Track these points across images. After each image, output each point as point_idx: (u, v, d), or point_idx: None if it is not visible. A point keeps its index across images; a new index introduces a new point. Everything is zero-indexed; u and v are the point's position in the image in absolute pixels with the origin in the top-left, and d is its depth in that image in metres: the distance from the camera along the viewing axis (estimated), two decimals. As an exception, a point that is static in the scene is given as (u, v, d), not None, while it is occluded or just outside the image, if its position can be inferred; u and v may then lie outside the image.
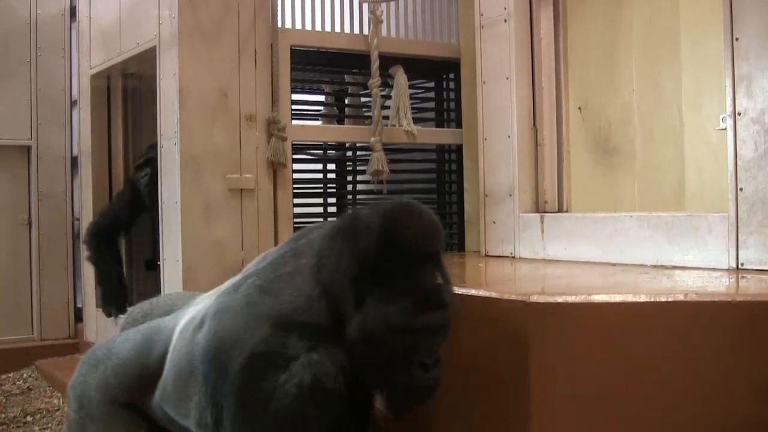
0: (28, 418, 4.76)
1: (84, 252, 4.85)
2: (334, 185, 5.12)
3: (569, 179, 3.90)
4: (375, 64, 4.30)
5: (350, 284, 1.94)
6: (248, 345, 1.95)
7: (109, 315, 4.69)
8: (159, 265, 4.17)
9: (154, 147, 4.41)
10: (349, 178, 5.11)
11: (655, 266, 3.10)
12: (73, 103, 5.94)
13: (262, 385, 1.91)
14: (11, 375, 5.63)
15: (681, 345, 2.17)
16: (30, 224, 5.99)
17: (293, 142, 4.23)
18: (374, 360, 1.93)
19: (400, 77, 4.50)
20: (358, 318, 1.92)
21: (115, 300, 4.69)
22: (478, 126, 4.12)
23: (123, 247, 4.99)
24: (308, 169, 4.90)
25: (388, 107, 4.53)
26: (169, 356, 2.30)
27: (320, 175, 5.02)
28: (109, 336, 4.76)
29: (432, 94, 5.07)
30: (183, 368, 2.19)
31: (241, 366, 1.95)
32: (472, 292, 2.54)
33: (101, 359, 2.51)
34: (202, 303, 2.34)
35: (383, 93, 4.46)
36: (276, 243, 4.09)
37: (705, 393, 2.15)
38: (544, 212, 3.83)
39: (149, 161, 4.42)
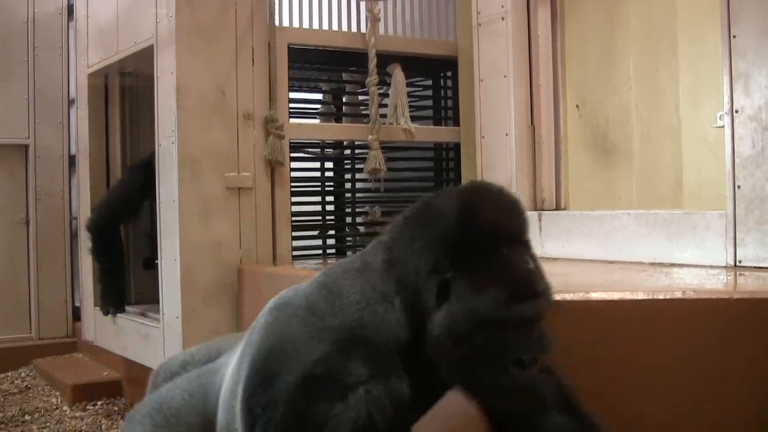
0: (27, 417, 4.76)
1: (87, 243, 4.80)
2: (332, 183, 5.12)
3: (567, 177, 3.91)
4: (372, 63, 4.29)
5: (429, 275, 1.71)
6: (304, 362, 1.70)
7: (106, 314, 4.68)
8: (157, 263, 4.16)
9: None
10: (347, 176, 5.11)
11: (653, 264, 3.11)
12: (70, 102, 5.94)
13: (314, 410, 1.67)
14: (9, 374, 5.64)
15: (679, 342, 2.17)
16: (28, 223, 5.99)
17: (291, 141, 4.23)
18: (463, 360, 1.70)
19: (398, 75, 4.50)
20: (442, 313, 1.69)
21: (114, 299, 4.68)
22: (475, 124, 4.11)
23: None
24: (306, 168, 4.90)
25: (386, 105, 4.52)
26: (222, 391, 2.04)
27: (318, 174, 5.02)
28: (108, 337, 4.77)
29: (429, 92, 5.07)
30: (231, 388, 1.94)
31: (293, 386, 1.69)
32: (470, 290, 2.53)
33: (150, 413, 2.26)
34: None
35: (381, 91, 4.46)
36: (274, 242, 4.09)
37: (703, 390, 2.15)
38: (542, 210, 3.83)
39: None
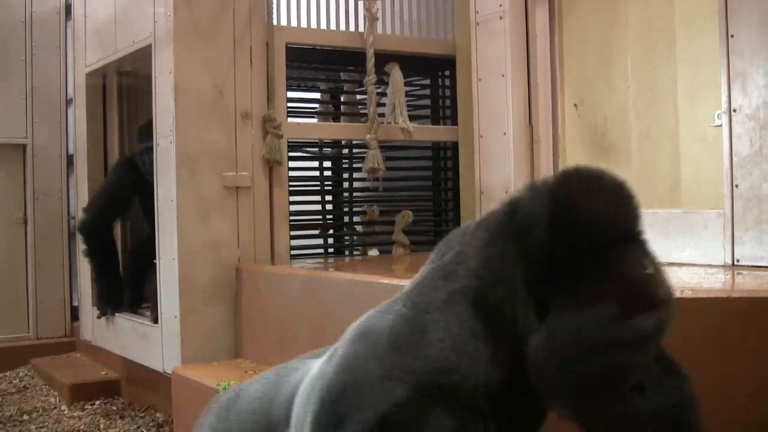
0: (25, 417, 4.76)
1: (80, 245, 4.80)
2: (330, 183, 5.12)
3: (565, 176, 3.90)
4: (371, 62, 4.29)
5: (525, 295, 1.45)
6: (378, 404, 1.44)
7: (103, 314, 4.67)
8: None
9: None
10: (345, 175, 5.11)
11: (651, 263, 3.10)
12: (68, 102, 5.94)
13: None
14: (7, 374, 5.63)
15: (677, 341, 2.17)
16: (26, 223, 5.99)
17: (289, 140, 4.23)
18: (571, 388, 1.42)
19: (396, 74, 4.50)
20: (543, 335, 1.41)
21: (110, 300, 4.67)
22: (473, 123, 4.12)
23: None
24: (304, 167, 4.90)
25: (384, 105, 4.52)
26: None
27: (316, 173, 5.02)
28: (106, 336, 4.77)
29: (428, 92, 5.07)
30: (299, 416, 1.71)
31: (362, 429, 1.45)
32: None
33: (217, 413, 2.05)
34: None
35: (379, 90, 4.46)
36: (272, 241, 4.09)
37: (700, 388, 2.15)
38: (540, 209, 3.82)
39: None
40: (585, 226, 1.41)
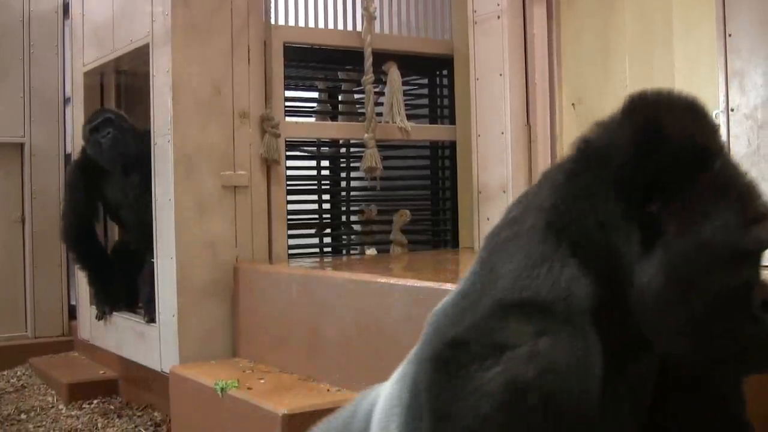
0: (22, 416, 4.75)
1: (70, 256, 4.83)
2: (328, 182, 5.12)
3: (563, 175, 3.90)
4: (368, 61, 4.30)
5: (623, 221, 1.30)
6: (449, 333, 1.32)
7: (102, 316, 4.67)
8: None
9: (105, 111, 4.45)
10: (343, 174, 5.11)
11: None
12: (66, 101, 5.92)
13: (455, 383, 1.26)
14: (5, 373, 5.62)
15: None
16: (23, 222, 5.98)
17: (287, 139, 4.23)
18: (692, 316, 1.26)
19: (394, 74, 4.50)
20: (654, 261, 1.26)
21: (107, 300, 4.68)
22: (471, 122, 4.12)
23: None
24: (302, 166, 4.90)
25: (382, 104, 4.53)
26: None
27: (314, 172, 5.02)
28: (104, 335, 4.77)
29: (425, 91, 5.07)
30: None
31: (428, 357, 1.32)
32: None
33: None
34: None
35: (377, 90, 4.46)
36: (270, 240, 4.09)
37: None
38: (538, 208, 3.82)
39: (108, 121, 4.37)
40: (678, 141, 1.30)
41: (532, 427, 1.19)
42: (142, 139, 4.25)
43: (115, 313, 4.64)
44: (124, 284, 4.69)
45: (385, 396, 1.58)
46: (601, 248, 1.31)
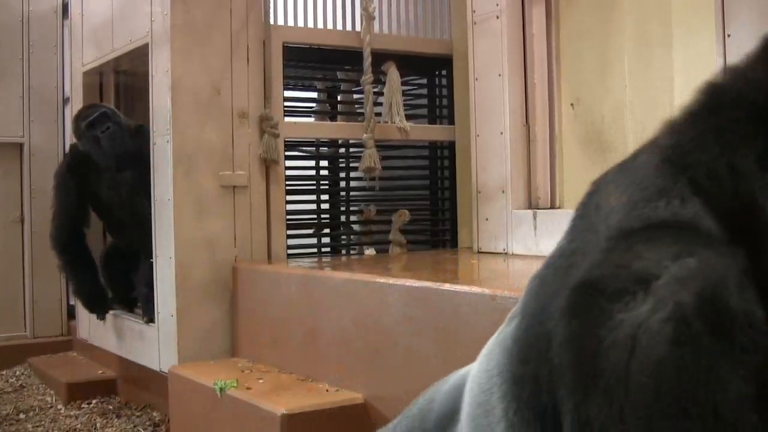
0: (21, 416, 4.75)
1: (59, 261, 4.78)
2: (327, 182, 5.13)
3: (562, 175, 3.91)
4: (367, 61, 4.30)
5: (759, 173, 1.04)
6: (569, 282, 1.07)
7: (102, 317, 4.70)
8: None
9: (98, 105, 4.40)
10: (342, 174, 5.11)
11: (647, 262, 3.10)
12: (65, 100, 5.93)
13: (599, 332, 0.99)
14: (4, 373, 5.63)
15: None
16: (22, 222, 5.98)
17: (286, 139, 4.23)
18: None
19: (393, 74, 4.51)
20: None
21: (96, 304, 4.68)
22: (470, 122, 4.12)
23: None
24: (301, 166, 4.90)
25: (381, 104, 4.53)
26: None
27: (313, 172, 5.02)
28: (103, 335, 4.77)
29: (424, 91, 5.07)
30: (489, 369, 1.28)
31: (560, 308, 1.05)
32: (466, 288, 2.54)
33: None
34: None
35: (376, 90, 4.46)
36: (269, 240, 4.09)
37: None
38: (537, 208, 3.83)
39: (105, 116, 4.31)
40: None
41: (703, 356, 0.94)
42: (136, 134, 4.25)
43: (113, 312, 4.64)
44: (122, 285, 4.70)
45: (476, 371, 1.33)
46: (732, 197, 1.07)
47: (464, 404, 1.32)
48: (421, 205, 5.06)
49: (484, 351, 1.33)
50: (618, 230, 1.06)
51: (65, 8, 5.86)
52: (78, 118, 4.43)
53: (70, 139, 5.63)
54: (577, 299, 1.03)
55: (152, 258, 4.09)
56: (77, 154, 4.49)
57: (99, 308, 4.66)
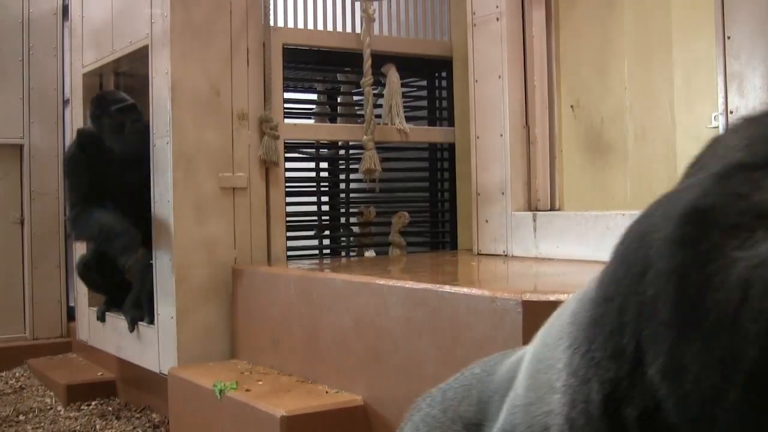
0: (21, 417, 4.75)
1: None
2: (327, 184, 5.13)
3: (561, 177, 3.91)
4: (367, 63, 4.30)
5: None
6: (678, 208, 0.90)
7: (134, 324, 4.46)
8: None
9: (125, 96, 4.28)
10: (342, 176, 5.12)
11: (647, 264, 3.10)
12: (65, 102, 5.93)
13: (710, 267, 0.84)
14: (4, 374, 5.63)
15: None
16: (22, 223, 5.98)
17: (286, 141, 4.23)
18: None
19: (393, 76, 4.51)
20: None
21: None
22: (470, 124, 4.12)
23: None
24: (301, 168, 4.90)
25: (381, 106, 4.53)
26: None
27: (313, 174, 5.02)
28: (103, 337, 4.77)
29: (424, 93, 5.07)
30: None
31: (666, 236, 0.85)
32: (465, 290, 2.54)
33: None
34: None
35: (375, 91, 4.46)
36: (269, 242, 4.09)
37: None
38: (537, 210, 3.83)
39: (134, 108, 4.20)
40: None
41: None
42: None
43: (112, 314, 4.63)
44: (114, 284, 4.60)
45: (540, 334, 1.11)
46: None
47: (524, 363, 1.14)
48: (421, 207, 5.06)
49: (546, 324, 1.11)
50: (739, 162, 0.90)
51: (65, 10, 5.86)
52: (103, 100, 4.29)
53: (69, 140, 5.63)
54: (687, 228, 0.87)
55: (150, 258, 4.08)
56: (89, 135, 4.32)
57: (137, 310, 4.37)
